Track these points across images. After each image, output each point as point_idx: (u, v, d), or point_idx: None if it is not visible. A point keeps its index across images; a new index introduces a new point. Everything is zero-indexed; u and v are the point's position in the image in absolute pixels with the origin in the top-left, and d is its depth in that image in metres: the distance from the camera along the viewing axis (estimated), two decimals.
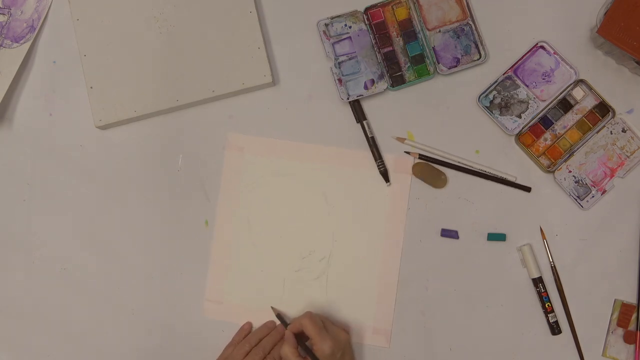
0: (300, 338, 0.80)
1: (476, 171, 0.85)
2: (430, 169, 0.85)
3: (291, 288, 0.87)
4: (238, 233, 0.87)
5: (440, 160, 0.86)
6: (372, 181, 0.86)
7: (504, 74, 0.86)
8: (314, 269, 0.86)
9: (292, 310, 0.86)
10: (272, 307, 0.86)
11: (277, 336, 0.85)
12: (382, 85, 0.86)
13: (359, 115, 0.86)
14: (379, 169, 0.86)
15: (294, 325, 0.81)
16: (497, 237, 0.85)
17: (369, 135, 0.86)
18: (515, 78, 0.86)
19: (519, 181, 0.85)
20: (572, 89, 0.86)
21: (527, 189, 0.85)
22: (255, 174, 0.87)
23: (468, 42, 0.86)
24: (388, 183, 0.86)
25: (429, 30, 0.86)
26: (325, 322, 0.81)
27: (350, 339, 0.84)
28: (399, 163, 0.86)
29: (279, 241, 0.87)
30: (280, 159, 0.87)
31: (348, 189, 0.87)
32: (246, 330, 0.86)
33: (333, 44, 0.87)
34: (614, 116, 0.85)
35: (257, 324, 0.87)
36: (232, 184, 0.88)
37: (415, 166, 0.85)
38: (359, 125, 0.86)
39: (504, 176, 0.85)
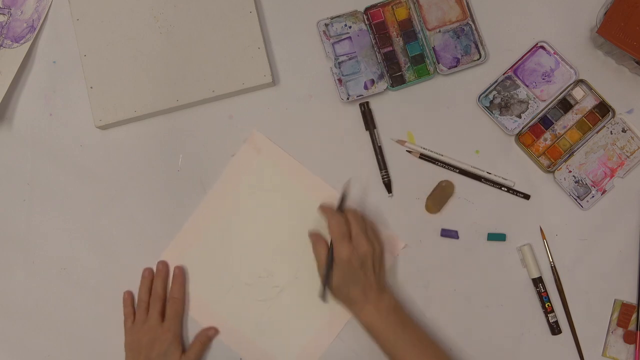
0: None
1: (476, 175, 0.85)
2: (442, 196, 0.85)
3: (233, 297, 0.85)
4: (215, 226, 0.86)
5: (441, 161, 0.86)
6: None
7: (504, 74, 0.86)
8: (261, 292, 0.85)
9: (227, 317, 0.85)
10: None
11: (164, 275, 0.86)
12: (382, 85, 0.86)
13: (369, 123, 0.86)
14: (382, 179, 0.85)
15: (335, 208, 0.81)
16: (497, 237, 0.85)
17: (377, 145, 0.86)
18: (515, 78, 0.86)
19: (519, 181, 0.85)
20: (572, 89, 0.86)
21: (527, 197, 0.85)
22: (259, 178, 0.87)
23: (468, 42, 0.86)
24: (390, 194, 0.86)
25: (429, 30, 0.86)
26: (365, 226, 0.80)
27: (378, 252, 0.80)
28: (388, 244, 0.85)
29: (246, 249, 0.86)
30: (288, 177, 0.87)
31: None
32: (130, 300, 0.86)
33: (333, 44, 0.87)
34: (614, 116, 0.85)
35: (199, 319, 0.86)
36: (233, 177, 0.87)
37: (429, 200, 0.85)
38: (360, 125, 0.86)
39: (504, 180, 0.85)
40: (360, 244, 0.79)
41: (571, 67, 0.85)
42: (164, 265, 0.86)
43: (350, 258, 0.77)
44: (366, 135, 0.86)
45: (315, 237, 0.82)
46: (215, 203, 0.87)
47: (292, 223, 0.86)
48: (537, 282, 0.84)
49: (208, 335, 0.85)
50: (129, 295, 0.86)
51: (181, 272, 0.86)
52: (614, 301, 0.84)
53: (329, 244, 0.81)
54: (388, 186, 0.86)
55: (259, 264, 0.86)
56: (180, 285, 0.85)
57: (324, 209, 0.81)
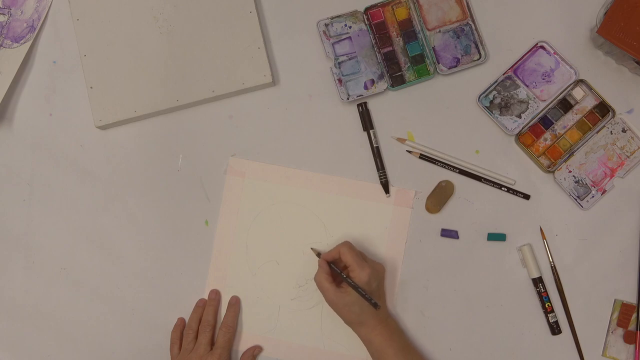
0: (334, 267, 0.81)
1: (476, 175, 0.85)
2: (442, 196, 0.85)
3: (286, 316, 0.86)
4: (236, 259, 0.87)
5: (441, 162, 0.86)
6: (372, 213, 0.86)
7: (504, 74, 0.86)
8: (310, 298, 0.85)
9: (286, 338, 0.86)
10: (312, 248, 0.85)
11: (215, 303, 0.85)
12: (382, 85, 0.86)
13: (367, 123, 0.86)
14: (380, 179, 0.86)
15: (329, 253, 0.81)
16: (497, 237, 0.85)
17: (374, 145, 0.86)
18: (515, 78, 0.86)
19: (519, 182, 0.85)
20: (572, 89, 0.86)
21: (527, 197, 0.85)
22: (255, 199, 0.87)
23: (468, 42, 0.86)
24: (387, 194, 0.86)
25: (429, 30, 0.86)
26: (363, 254, 0.82)
27: (385, 272, 0.83)
28: (400, 196, 0.86)
29: (276, 268, 0.86)
30: (281, 185, 0.87)
31: (348, 218, 0.86)
32: (180, 326, 0.86)
33: (333, 44, 0.87)
34: (614, 116, 0.85)
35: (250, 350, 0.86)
36: (231, 209, 0.87)
37: (429, 200, 0.85)
38: (359, 125, 0.86)
39: (504, 179, 0.85)
40: (375, 264, 0.81)
41: (571, 67, 0.85)
42: (216, 294, 0.86)
43: (370, 280, 0.78)
44: (366, 135, 0.86)
45: (321, 265, 0.81)
46: (227, 237, 0.87)
47: (305, 223, 0.86)
48: (537, 282, 0.84)
49: (254, 355, 0.85)
50: (180, 322, 0.86)
51: (237, 302, 0.86)
52: (614, 301, 0.84)
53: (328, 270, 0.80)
54: (385, 186, 0.86)
55: (294, 275, 0.86)
56: (235, 314, 0.85)
57: (328, 253, 0.82)
